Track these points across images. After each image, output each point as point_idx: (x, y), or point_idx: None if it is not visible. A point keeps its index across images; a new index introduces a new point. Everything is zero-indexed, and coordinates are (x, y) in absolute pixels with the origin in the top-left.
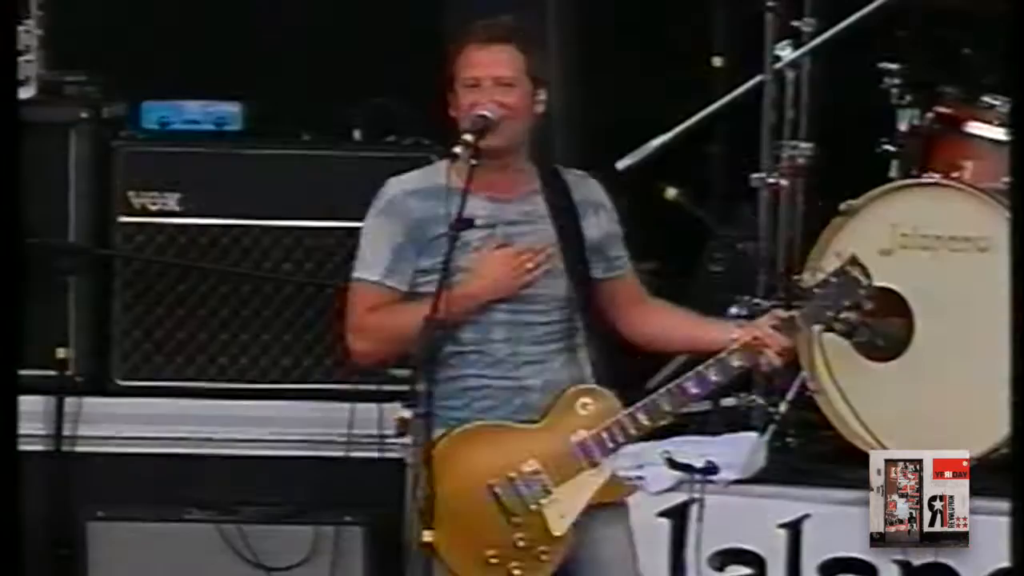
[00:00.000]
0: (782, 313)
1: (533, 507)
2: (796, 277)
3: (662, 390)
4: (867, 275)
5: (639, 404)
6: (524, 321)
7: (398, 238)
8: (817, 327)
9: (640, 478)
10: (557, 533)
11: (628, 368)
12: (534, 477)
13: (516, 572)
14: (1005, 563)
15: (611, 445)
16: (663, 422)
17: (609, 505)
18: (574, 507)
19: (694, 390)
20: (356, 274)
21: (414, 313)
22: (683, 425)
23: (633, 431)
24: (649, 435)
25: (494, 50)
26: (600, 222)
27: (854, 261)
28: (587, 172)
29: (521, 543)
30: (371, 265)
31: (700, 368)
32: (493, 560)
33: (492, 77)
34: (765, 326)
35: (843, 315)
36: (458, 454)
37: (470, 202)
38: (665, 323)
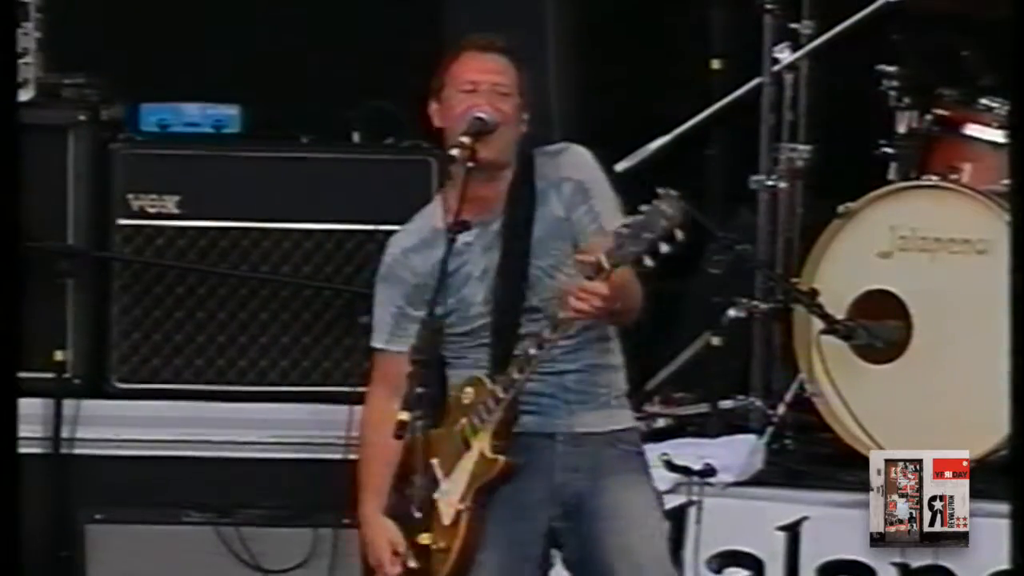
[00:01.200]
0: (587, 257)
1: (431, 501)
2: (795, 280)
3: (514, 363)
4: (678, 208)
5: (497, 378)
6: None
7: (397, 302)
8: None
9: None
10: (447, 522)
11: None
12: (432, 471)
13: (412, 566)
14: (1004, 565)
15: (477, 422)
16: (518, 390)
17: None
18: (455, 493)
19: (532, 350)
20: (372, 340)
21: (370, 476)
22: (681, 427)
23: (494, 405)
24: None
25: (493, 58)
26: (562, 196)
27: (665, 195)
28: (566, 144)
29: (426, 546)
30: (378, 331)
31: (536, 329)
32: (412, 567)
33: (490, 83)
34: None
35: (650, 249)
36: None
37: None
38: None
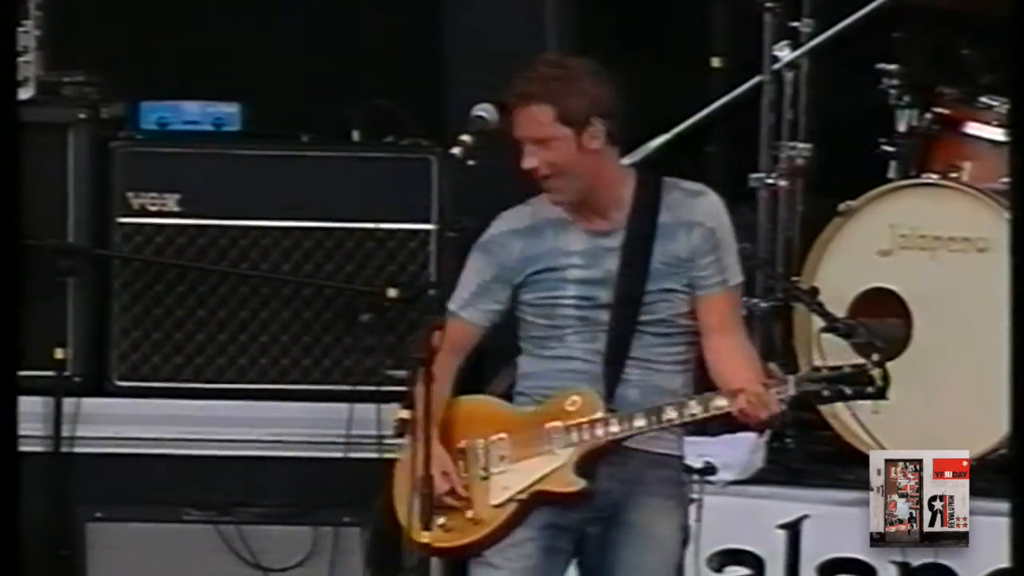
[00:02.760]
0: (780, 374)
1: (482, 472)
2: (795, 278)
3: (644, 407)
4: (885, 379)
5: (617, 413)
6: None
7: (486, 275)
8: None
9: None
10: (493, 501)
11: None
12: (495, 446)
13: (440, 522)
14: (1003, 564)
15: (575, 439)
16: (636, 434)
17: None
18: (518, 483)
19: (670, 414)
20: (449, 301)
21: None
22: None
23: (600, 433)
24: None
25: (524, 110)
26: (691, 240)
27: (880, 364)
28: (701, 189)
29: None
30: (457, 295)
31: (684, 399)
32: (425, 538)
33: (528, 138)
34: (761, 384)
35: (835, 403)
36: (453, 415)
37: (568, 233)
38: (725, 366)
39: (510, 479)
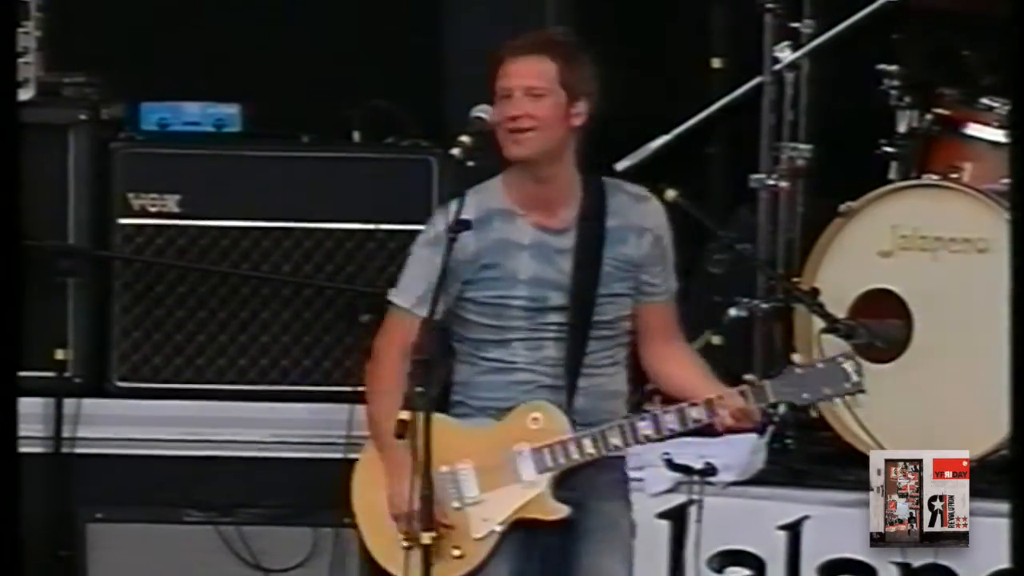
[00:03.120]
0: (755, 380)
1: (456, 504)
2: (795, 279)
3: (614, 423)
4: (859, 372)
5: (588, 431)
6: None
7: (437, 272)
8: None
9: (639, 479)
10: (475, 535)
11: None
12: (465, 475)
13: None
14: (1004, 565)
15: (550, 463)
16: (609, 454)
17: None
18: (498, 514)
19: (647, 431)
20: (391, 296)
21: (384, 411)
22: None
23: (576, 455)
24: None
25: (526, 60)
26: (641, 245)
27: (850, 356)
28: (645, 193)
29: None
30: (406, 291)
31: (658, 412)
32: (404, 544)
33: (523, 87)
34: (734, 392)
35: (819, 403)
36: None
37: (516, 226)
38: (677, 371)
39: (488, 510)
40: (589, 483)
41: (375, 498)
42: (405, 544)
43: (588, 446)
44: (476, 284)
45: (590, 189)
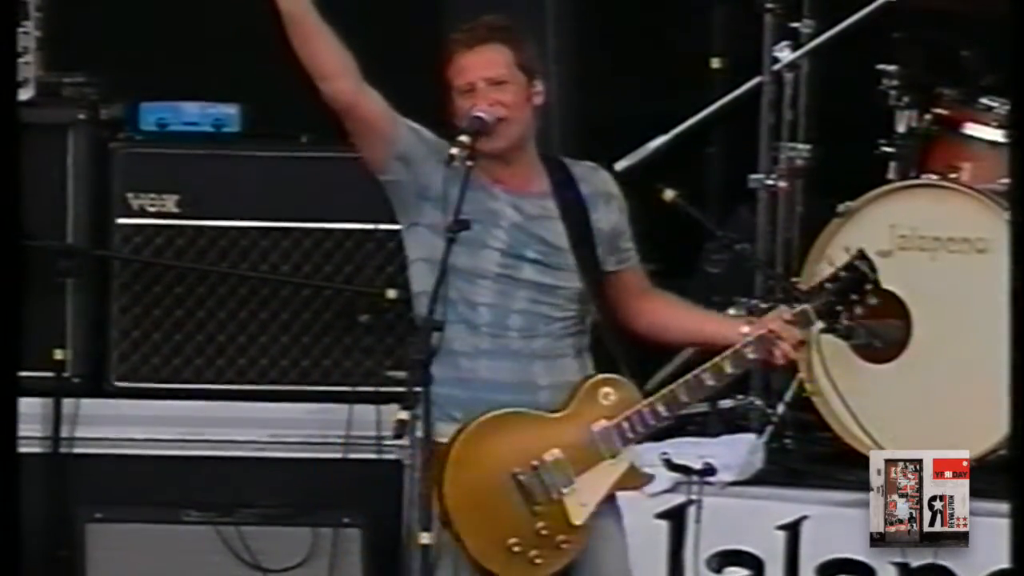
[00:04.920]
0: (793, 307)
1: (555, 496)
2: (795, 279)
3: (680, 381)
4: (873, 270)
5: (658, 395)
6: (542, 313)
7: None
8: (825, 321)
9: None
10: (577, 522)
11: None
12: (556, 465)
13: (538, 561)
14: (1003, 565)
15: (631, 435)
16: (682, 411)
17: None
18: (594, 495)
19: (710, 382)
20: None
21: None
22: (681, 427)
23: (652, 421)
24: (665, 430)
25: (480, 51)
26: (610, 214)
27: (862, 255)
28: (596, 164)
29: (543, 531)
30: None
31: (716, 359)
32: (516, 548)
33: (484, 78)
34: (778, 320)
35: (854, 309)
36: (482, 441)
37: (488, 193)
38: (668, 315)
39: (583, 495)
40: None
41: (474, 487)
42: (516, 548)
43: (663, 410)
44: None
45: (551, 164)
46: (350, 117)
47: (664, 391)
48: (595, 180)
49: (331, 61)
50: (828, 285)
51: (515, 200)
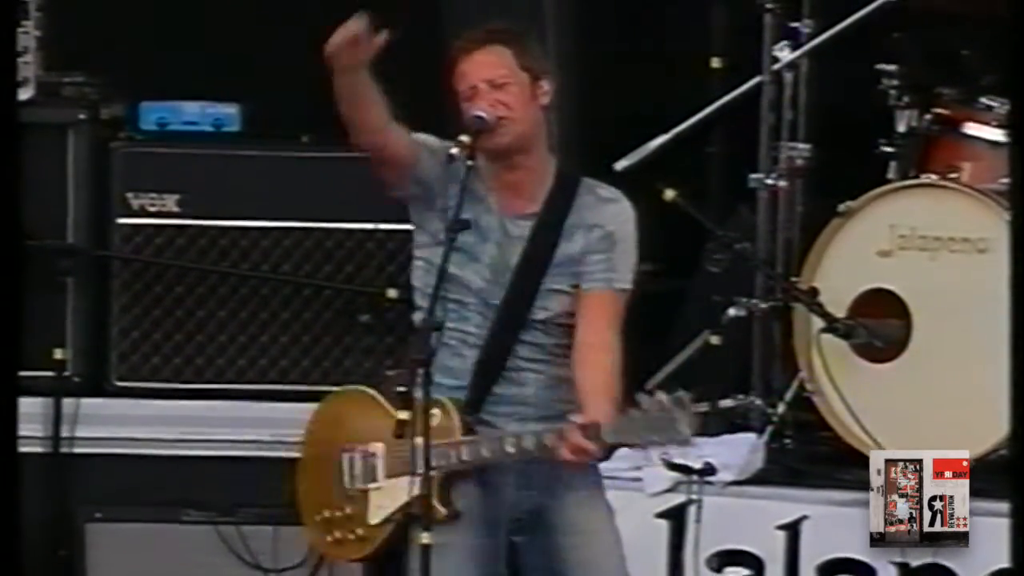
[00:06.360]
0: (596, 420)
1: (360, 486)
2: (795, 279)
3: (485, 435)
4: (690, 425)
5: (467, 439)
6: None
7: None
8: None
9: (638, 479)
10: (371, 520)
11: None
12: (371, 459)
13: (329, 538)
14: (1002, 564)
15: (432, 462)
16: (481, 463)
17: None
18: (391, 503)
19: (509, 449)
20: None
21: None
22: None
23: (454, 460)
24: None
25: (481, 54)
26: (588, 241)
27: (682, 404)
28: (619, 195)
29: (345, 515)
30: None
31: (520, 433)
32: (319, 518)
33: (485, 80)
34: (574, 428)
35: (651, 446)
36: (340, 408)
37: (479, 202)
38: (582, 367)
39: (383, 498)
40: (556, 474)
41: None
42: (320, 519)
43: (464, 454)
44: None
45: (563, 183)
46: (377, 156)
47: (473, 437)
48: (588, 211)
49: (374, 117)
50: (634, 412)
51: (503, 220)
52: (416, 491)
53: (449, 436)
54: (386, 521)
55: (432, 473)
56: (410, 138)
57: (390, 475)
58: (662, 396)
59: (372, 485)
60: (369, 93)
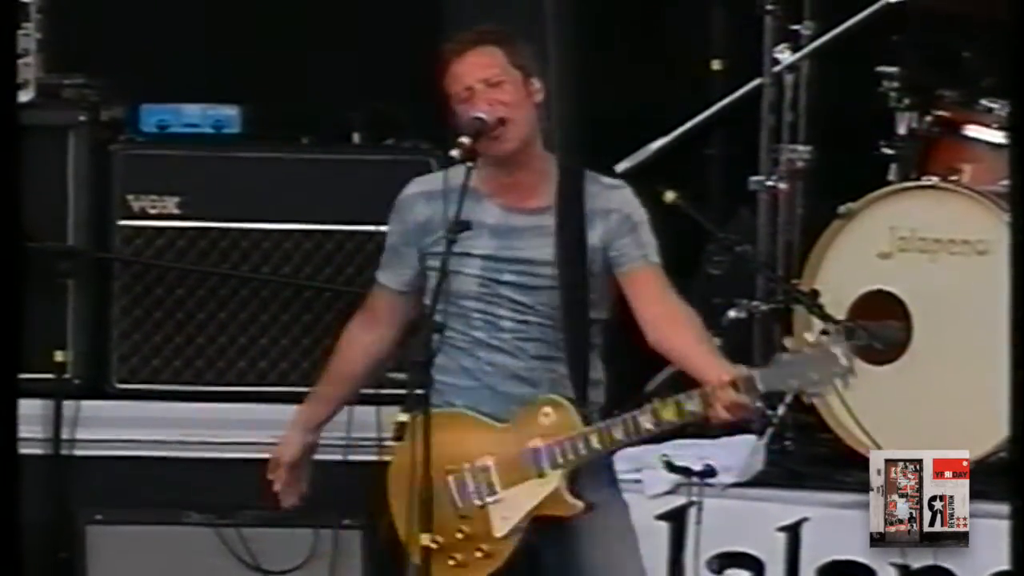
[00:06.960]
0: (744, 371)
1: (478, 503)
2: (795, 281)
3: (617, 418)
4: (848, 358)
5: (593, 427)
6: (528, 321)
7: (395, 238)
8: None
9: (638, 481)
10: (497, 534)
11: (628, 369)
12: (484, 473)
13: (451, 562)
14: (1004, 566)
15: (560, 459)
16: (615, 448)
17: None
18: (517, 511)
19: (648, 425)
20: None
21: (320, 387)
22: (681, 428)
23: (583, 451)
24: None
25: (472, 54)
26: (608, 226)
27: (837, 335)
28: (621, 183)
29: (461, 535)
30: (381, 263)
31: (656, 405)
32: (434, 545)
33: (480, 80)
34: (726, 385)
35: (810, 389)
36: (431, 433)
37: (481, 206)
38: (667, 331)
39: (507, 508)
40: (573, 477)
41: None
42: (435, 545)
43: (594, 441)
44: (433, 257)
45: (569, 175)
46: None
47: (600, 425)
48: (597, 198)
49: (374, 368)
50: (787, 357)
51: (505, 214)
52: (548, 490)
53: (571, 430)
54: (513, 531)
55: (560, 470)
56: (395, 295)
57: (507, 486)
58: (808, 335)
59: (490, 499)
60: (356, 388)
